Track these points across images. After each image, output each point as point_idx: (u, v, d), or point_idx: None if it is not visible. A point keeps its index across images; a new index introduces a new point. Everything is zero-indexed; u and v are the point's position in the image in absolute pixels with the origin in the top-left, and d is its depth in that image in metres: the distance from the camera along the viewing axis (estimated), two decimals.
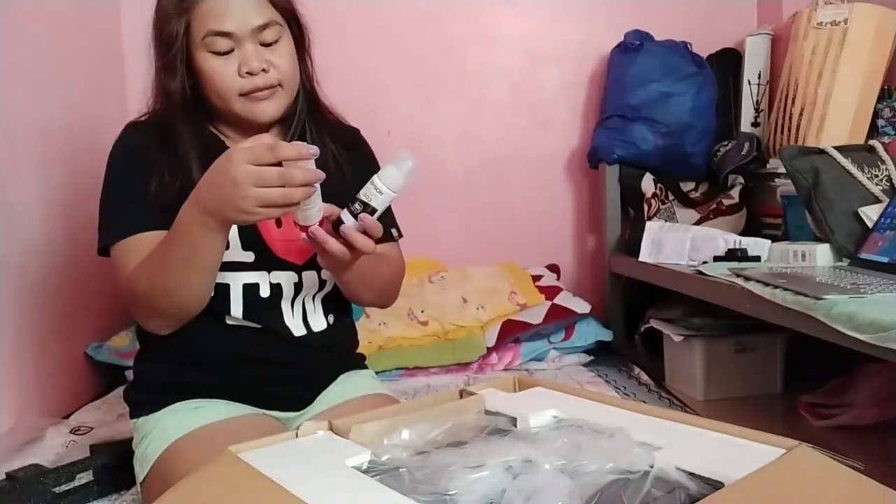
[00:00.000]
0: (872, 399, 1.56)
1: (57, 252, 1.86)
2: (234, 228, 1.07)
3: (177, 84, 1.04)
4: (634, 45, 2.33)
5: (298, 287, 1.13)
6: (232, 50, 1.03)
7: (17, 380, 1.66)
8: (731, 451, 0.65)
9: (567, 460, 0.62)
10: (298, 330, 1.14)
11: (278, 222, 1.12)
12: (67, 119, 1.97)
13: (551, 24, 2.57)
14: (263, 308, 1.11)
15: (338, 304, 1.21)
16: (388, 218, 1.25)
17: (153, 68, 1.09)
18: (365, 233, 0.96)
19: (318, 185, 0.90)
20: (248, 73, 1.03)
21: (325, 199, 1.13)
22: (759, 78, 2.34)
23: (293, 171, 0.86)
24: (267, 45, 1.05)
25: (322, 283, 1.16)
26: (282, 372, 1.14)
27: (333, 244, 0.95)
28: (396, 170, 0.93)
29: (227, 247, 1.06)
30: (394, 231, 1.25)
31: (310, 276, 1.14)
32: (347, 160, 1.18)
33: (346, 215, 0.96)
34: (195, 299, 1.01)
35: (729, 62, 2.43)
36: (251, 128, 1.10)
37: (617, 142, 2.30)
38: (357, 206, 0.95)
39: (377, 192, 0.94)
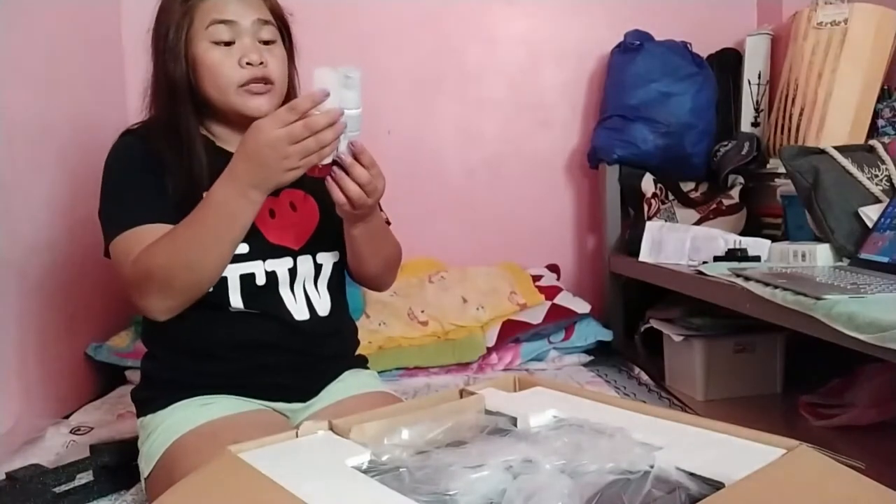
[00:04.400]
0: (872, 399, 1.56)
1: (57, 252, 1.86)
2: None
3: (181, 72, 1.08)
4: (634, 45, 2.33)
5: (293, 272, 1.15)
6: (232, 42, 1.08)
7: (18, 380, 1.66)
8: (731, 451, 0.65)
9: (567, 460, 0.62)
10: (301, 314, 1.15)
11: (271, 213, 1.14)
12: (67, 119, 1.97)
13: (551, 24, 2.57)
14: (261, 295, 1.13)
15: (338, 289, 1.23)
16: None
17: (150, 72, 1.13)
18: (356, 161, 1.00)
19: (345, 120, 0.95)
20: (248, 63, 1.07)
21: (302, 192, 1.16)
22: (759, 78, 2.34)
23: (316, 119, 0.93)
24: (264, 43, 1.10)
25: (319, 267, 1.19)
26: (287, 358, 1.15)
27: (349, 180, 1.00)
28: (347, 89, 0.95)
29: None
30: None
31: (305, 261, 1.16)
32: None
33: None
34: (214, 274, 1.04)
35: (729, 62, 2.43)
36: (242, 125, 1.12)
37: (617, 142, 2.30)
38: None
39: (351, 119, 0.96)
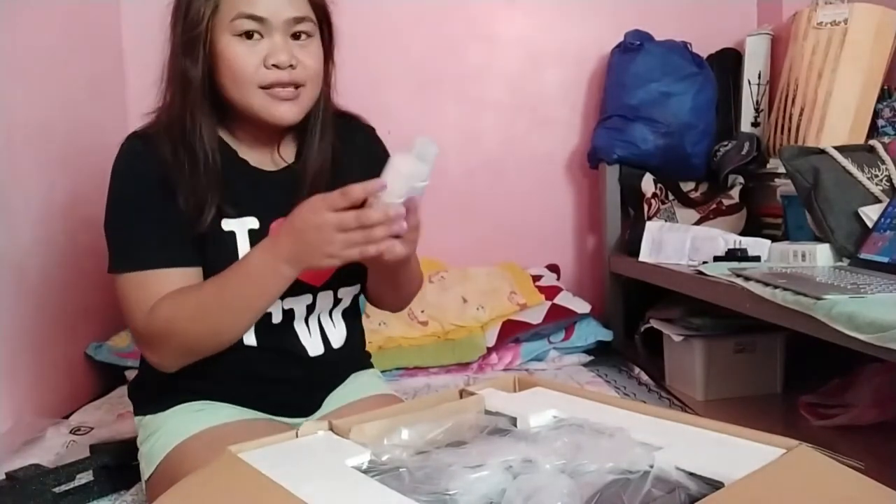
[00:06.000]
0: (872, 399, 1.56)
1: (57, 252, 1.86)
2: None
3: (198, 70, 0.98)
4: (634, 45, 2.33)
5: (311, 308, 1.11)
6: (260, 38, 0.98)
7: (17, 380, 1.66)
8: (731, 451, 0.65)
9: (567, 460, 0.62)
10: (315, 349, 1.11)
11: None
12: (67, 120, 1.97)
13: (551, 24, 2.57)
14: (276, 332, 1.08)
15: (353, 314, 1.19)
16: None
17: (164, 65, 1.03)
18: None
19: (412, 191, 0.92)
20: (274, 65, 0.98)
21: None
22: (759, 78, 2.34)
23: (369, 213, 0.89)
24: (298, 40, 1.01)
25: (338, 301, 1.14)
26: (295, 386, 1.13)
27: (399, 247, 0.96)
28: (422, 162, 0.92)
29: None
30: None
31: (325, 297, 1.12)
32: (356, 162, 1.13)
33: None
34: (238, 337, 1.02)
35: (729, 62, 2.43)
36: (266, 131, 1.07)
37: (617, 142, 2.30)
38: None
39: (415, 190, 0.94)
